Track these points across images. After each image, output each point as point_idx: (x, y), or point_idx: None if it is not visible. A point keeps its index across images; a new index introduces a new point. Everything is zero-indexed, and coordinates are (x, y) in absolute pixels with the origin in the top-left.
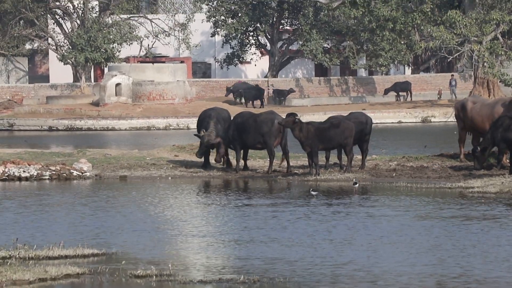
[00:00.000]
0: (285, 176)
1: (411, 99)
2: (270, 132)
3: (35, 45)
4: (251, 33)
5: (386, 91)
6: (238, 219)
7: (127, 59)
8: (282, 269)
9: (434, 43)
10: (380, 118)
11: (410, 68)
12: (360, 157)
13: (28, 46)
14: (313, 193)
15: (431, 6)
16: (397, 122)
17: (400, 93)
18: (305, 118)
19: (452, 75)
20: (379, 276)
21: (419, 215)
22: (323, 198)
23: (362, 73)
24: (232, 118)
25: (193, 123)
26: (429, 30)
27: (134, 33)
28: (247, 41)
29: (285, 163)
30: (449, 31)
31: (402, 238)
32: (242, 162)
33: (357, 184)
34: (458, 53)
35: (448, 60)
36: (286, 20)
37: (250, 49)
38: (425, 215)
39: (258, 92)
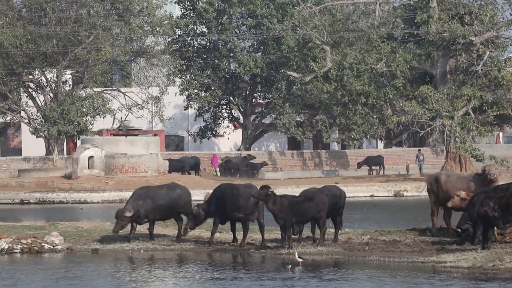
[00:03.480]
0: (258, 249)
1: (384, 173)
2: (246, 205)
3: (8, 118)
4: (224, 106)
5: (359, 165)
6: None
7: (100, 132)
8: None
9: (406, 117)
10: (353, 191)
11: (383, 142)
12: (333, 230)
13: (0, 119)
14: (288, 266)
15: (403, 81)
16: (369, 196)
17: (373, 167)
18: (278, 191)
19: (419, 150)
20: None
21: None
22: (298, 272)
23: (335, 146)
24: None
25: None
26: (401, 104)
27: (107, 106)
28: (220, 114)
29: (257, 235)
30: (421, 106)
31: None
32: (219, 235)
33: (300, 259)
34: (430, 128)
35: (420, 135)
36: (259, 93)
37: (223, 122)
38: None
39: (181, 163)
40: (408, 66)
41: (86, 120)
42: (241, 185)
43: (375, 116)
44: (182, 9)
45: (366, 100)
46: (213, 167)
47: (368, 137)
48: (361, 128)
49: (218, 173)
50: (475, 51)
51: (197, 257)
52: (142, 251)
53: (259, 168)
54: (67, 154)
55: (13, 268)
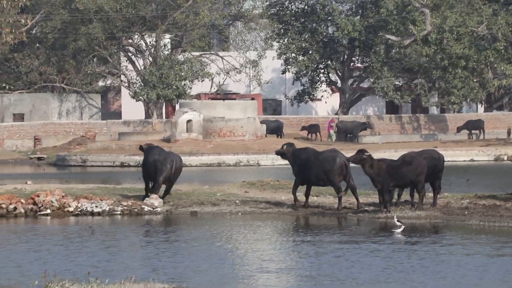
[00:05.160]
0: (355, 213)
1: (484, 137)
2: (332, 170)
3: (108, 82)
4: (322, 70)
5: (459, 129)
6: (312, 255)
7: (198, 96)
8: None
9: (507, 81)
10: (452, 156)
11: (483, 106)
12: (431, 194)
13: (101, 83)
14: (398, 223)
15: (505, 44)
16: (469, 160)
17: (473, 131)
18: (375, 155)
19: None
20: None
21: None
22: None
23: (434, 110)
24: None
25: (263, 159)
26: (502, 68)
27: (206, 70)
28: (318, 78)
29: (353, 199)
30: None
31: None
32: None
33: (399, 223)
34: None
35: None
36: (357, 57)
37: (320, 86)
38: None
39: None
40: (510, 28)
41: (184, 84)
42: (326, 150)
43: (475, 80)
44: None
45: (466, 64)
46: (328, 132)
47: (468, 101)
48: (461, 92)
49: (333, 138)
50: None
51: (297, 220)
52: (240, 214)
53: (357, 132)
54: (165, 118)
55: (126, 230)
